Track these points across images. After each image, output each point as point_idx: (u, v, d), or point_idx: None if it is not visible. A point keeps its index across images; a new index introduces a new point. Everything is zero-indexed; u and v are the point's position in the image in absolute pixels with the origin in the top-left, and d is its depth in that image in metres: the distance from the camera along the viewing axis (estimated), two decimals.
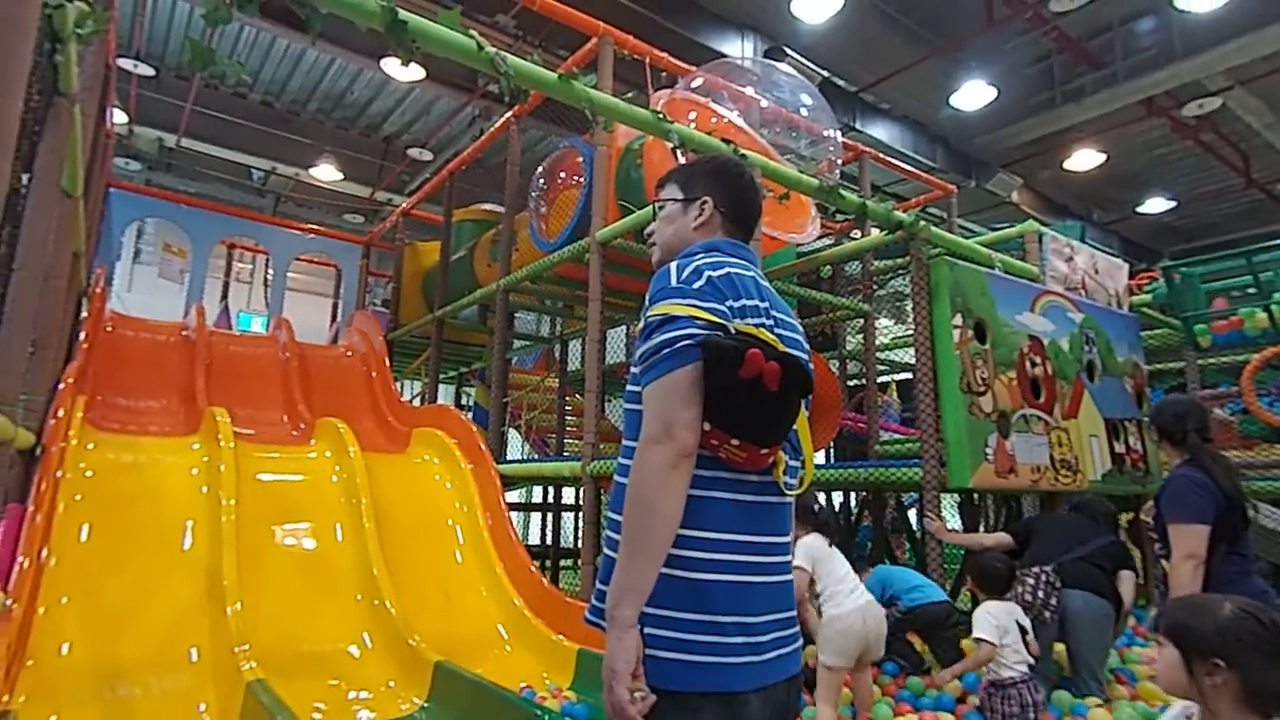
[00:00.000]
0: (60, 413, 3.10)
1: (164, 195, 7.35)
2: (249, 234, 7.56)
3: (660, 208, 1.45)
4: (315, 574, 3.26)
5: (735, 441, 1.15)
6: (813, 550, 2.75)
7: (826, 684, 2.58)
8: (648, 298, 1.25)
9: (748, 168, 1.48)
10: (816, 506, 2.97)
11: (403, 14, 2.07)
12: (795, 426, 1.22)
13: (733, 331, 1.16)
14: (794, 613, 1.26)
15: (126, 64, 7.56)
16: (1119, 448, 4.13)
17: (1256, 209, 11.10)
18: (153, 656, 2.62)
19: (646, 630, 1.11)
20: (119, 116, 8.02)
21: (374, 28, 2.04)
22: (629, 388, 1.26)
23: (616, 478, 1.25)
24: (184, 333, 5.06)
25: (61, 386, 3.23)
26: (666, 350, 1.14)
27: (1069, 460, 3.74)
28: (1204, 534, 2.29)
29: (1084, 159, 9.64)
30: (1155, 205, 11.23)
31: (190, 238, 6.77)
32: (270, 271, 7.56)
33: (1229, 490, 2.39)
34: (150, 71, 7.96)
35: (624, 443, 1.25)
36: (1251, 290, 3.87)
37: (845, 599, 2.63)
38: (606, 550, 1.23)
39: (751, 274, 1.30)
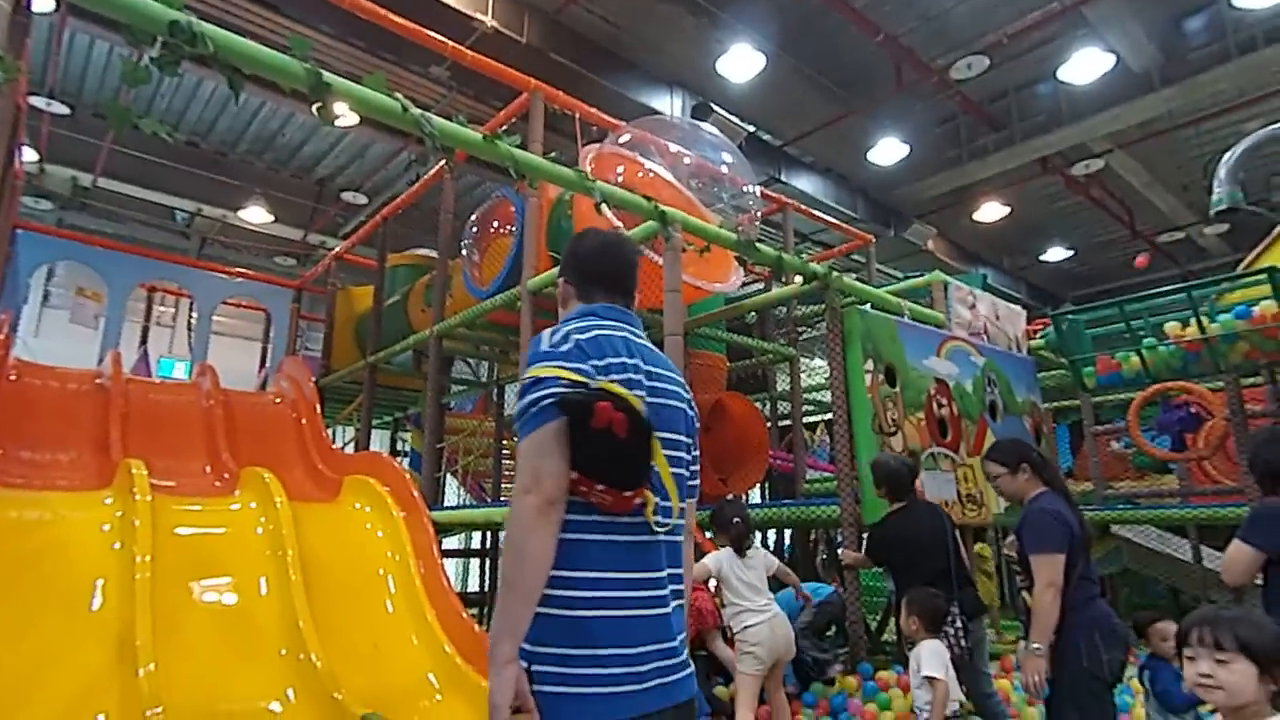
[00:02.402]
0: None
1: (77, 237, 7.09)
2: (171, 277, 7.34)
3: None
4: (236, 630, 3.15)
5: (600, 486, 1.28)
6: (720, 564, 2.96)
7: (745, 690, 2.80)
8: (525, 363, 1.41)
9: (598, 236, 1.63)
10: (736, 519, 3.09)
11: (327, 76, 2.12)
12: (658, 469, 1.36)
13: (592, 387, 1.29)
14: (678, 643, 1.36)
15: (39, 102, 7.33)
16: None
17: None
18: None
19: (534, 668, 1.22)
20: (29, 154, 7.73)
21: (298, 89, 2.11)
22: None
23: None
24: (98, 380, 4.86)
25: None
26: (533, 409, 1.28)
27: (975, 495, 4.00)
28: (1062, 563, 2.47)
29: (990, 211, 10.36)
30: (1056, 254, 12.14)
31: (106, 281, 6.54)
32: (194, 316, 7.34)
33: (1078, 518, 2.61)
34: (65, 110, 7.73)
35: None
36: (1127, 335, 4.27)
37: (752, 616, 2.83)
38: None
39: (622, 334, 1.45)
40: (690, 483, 1.53)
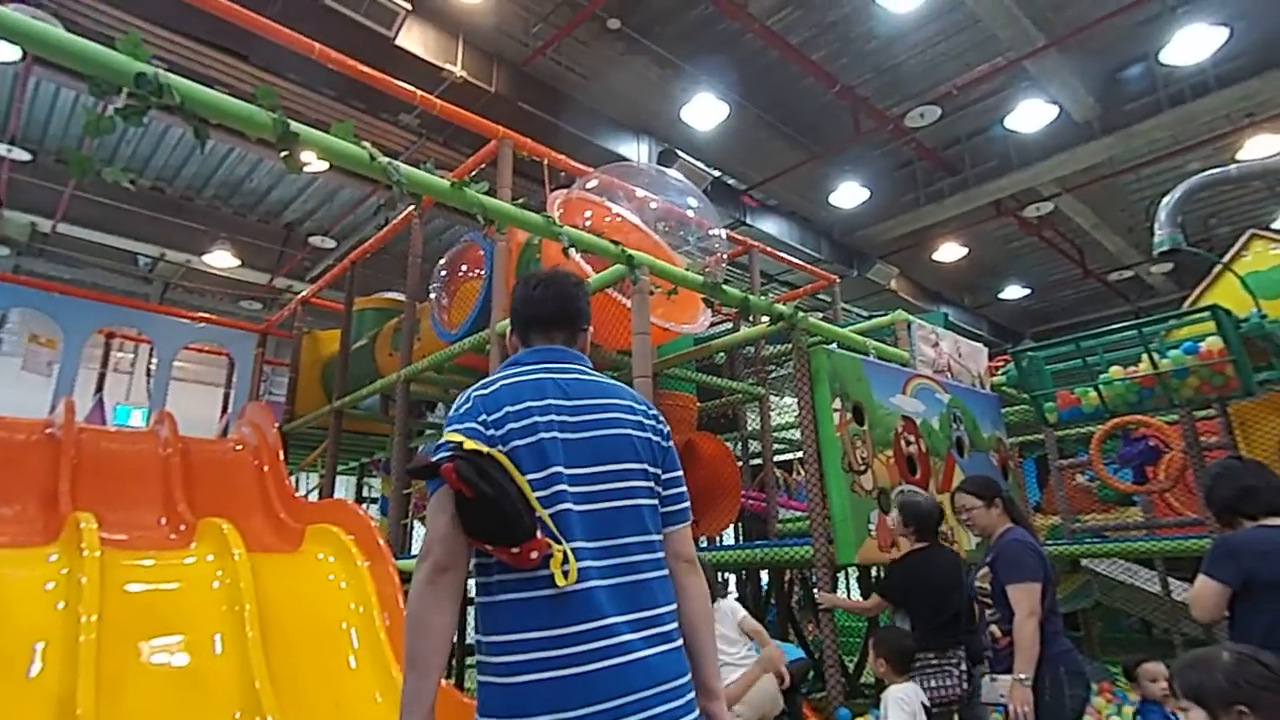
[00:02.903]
0: None
1: (33, 283, 6.92)
2: (131, 323, 7.17)
3: None
4: (188, 693, 3.01)
5: (488, 546, 1.26)
6: None
7: None
8: None
9: (531, 279, 1.62)
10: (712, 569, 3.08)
11: (294, 125, 2.14)
12: (540, 516, 1.28)
13: (462, 447, 1.28)
14: (632, 699, 1.23)
15: (0, 149, 7.24)
16: None
17: (1098, 295, 12.57)
18: None
19: None
20: None
21: (265, 139, 2.12)
22: None
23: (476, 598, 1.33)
24: (48, 430, 4.70)
25: None
26: (416, 477, 1.30)
27: (945, 532, 4.02)
28: (1038, 592, 2.52)
29: (949, 251, 10.69)
30: (1013, 292, 12.53)
31: (62, 327, 6.36)
32: (154, 361, 7.17)
33: (1043, 551, 2.68)
34: (26, 156, 7.63)
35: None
36: (1084, 371, 4.40)
37: (731, 670, 2.77)
38: (479, 676, 1.28)
39: (537, 376, 1.43)
40: (667, 509, 1.46)
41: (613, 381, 1.53)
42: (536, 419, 1.36)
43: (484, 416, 1.35)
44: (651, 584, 1.35)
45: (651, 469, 1.44)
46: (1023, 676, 2.47)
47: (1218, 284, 4.55)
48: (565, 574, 1.26)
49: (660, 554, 1.40)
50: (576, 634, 1.24)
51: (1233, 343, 3.79)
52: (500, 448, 1.31)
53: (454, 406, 1.41)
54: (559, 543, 1.27)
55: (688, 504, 1.51)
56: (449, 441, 1.30)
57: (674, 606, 1.38)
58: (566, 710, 1.18)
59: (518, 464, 1.31)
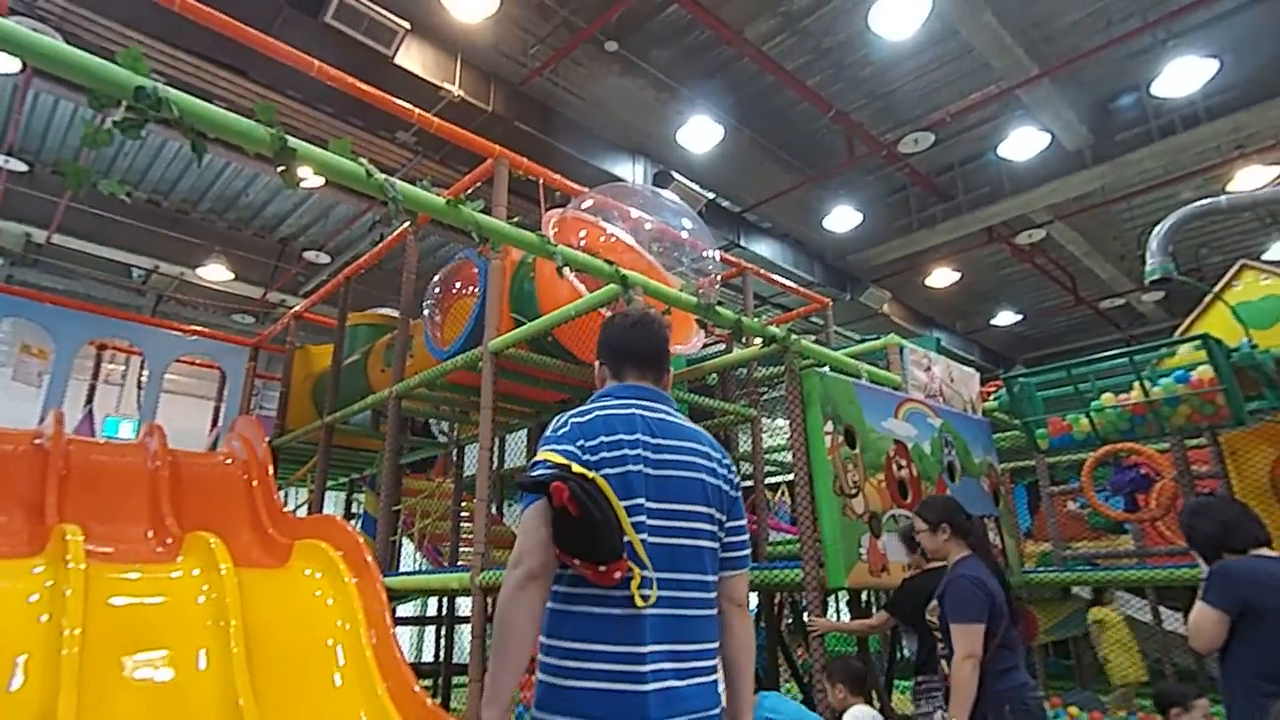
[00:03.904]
0: None
1: (25, 293, 6.90)
2: (123, 335, 7.15)
3: None
4: (171, 708, 2.96)
5: (576, 561, 1.35)
6: None
7: None
8: None
9: (626, 317, 1.71)
10: None
11: (292, 141, 2.15)
12: (630, 542, 1.39)
13: (569, 469, 1.38)
14: None
15: None
16: None
17: (1089, 323, 12.66)
18: None
19: None
20: None
21: (263, 154, 2.13)
22: None
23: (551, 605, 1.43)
24: (36, 441, 4.66)
25: None
26: (522, 490, 1.41)
27: None
28: (981, 633, 2.48)
29: (942, 277, 10.77)
30: (1005, 318, 12.60)
31: (53, 338, 6.34)
32: (145, 374, 7.14)
33: (1001, 585, 2.62)
34: (23, 167, 7.64)
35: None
36: (1075, 398, 4.41)
37: None
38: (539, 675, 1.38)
39: (629, 411, 1.53)
40: (727, 554, 1.55)
41: (694, 426, 1.63)
42: (626, 451, 1.47)
43: (581, 441, 1.46)
44: (698, 621, 1.46)
45: (717, 514, 1.54)
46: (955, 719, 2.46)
47: (1209, 313, 4.59)
48: (645, 598, 1.38)
49: (712, 594, 1.50)
50: (630, 654, 1.36)
51: (1224, 372, 3.82)
52: (609, 471, 1.44)
53: (551, 428, 1.51)
54: (643, 568, 1.39)
55: (747, 553, 1.60)
56: (547, 460, 1.41)
57: (714, 644, 1.49)
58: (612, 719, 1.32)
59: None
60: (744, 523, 1.59)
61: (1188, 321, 4.72)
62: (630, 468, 1.45)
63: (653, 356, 1.66)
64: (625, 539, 1.37)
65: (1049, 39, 6.76)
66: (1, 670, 2.78)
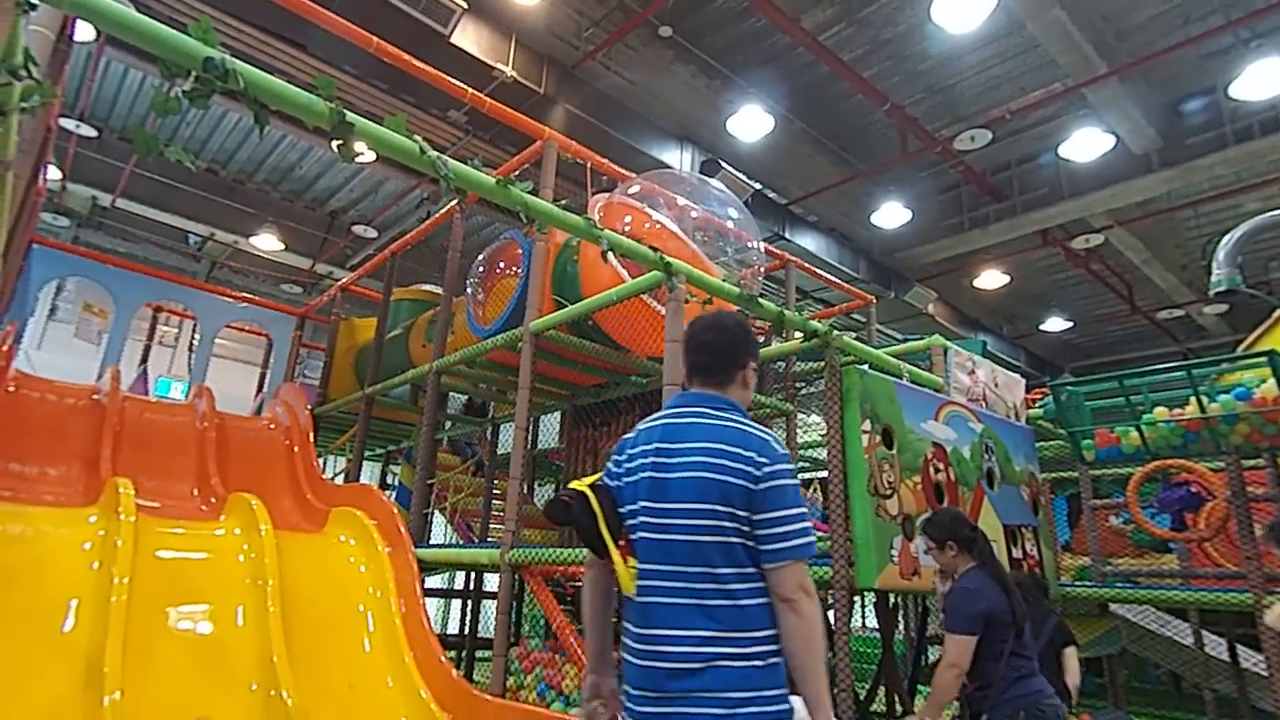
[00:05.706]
0: None
1: (89, 254, 7.18)
2: (178, 298, 7.39)
3: None
4: (209, 660, 3.08)
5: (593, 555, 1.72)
6: None
7: None
8: None
9: (696, 324, 1.85)
10: None
11: (350, 116, 2.18)
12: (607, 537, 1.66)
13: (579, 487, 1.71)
14: (659, 694, 1.55)
15: (69, 124, 7.52)
16: (1016, 553, 4.36)
17: (1144, 333, 12.21)
18: None
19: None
20: (52, 172, 7.89)
21: (321, 126, 2.16)
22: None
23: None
24: (94, 396, 4.86)
25: None
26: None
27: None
28: (971, 645, 2.47)
29: (991, 279, 10.49)
30: (1055, 324, 12.22)
31: (113, 299, 6.59)
32: (197, 337, 7.38)
33: (1008, 596, 2.58)
34: (92, 133, 7.92)
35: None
36: (1126, 410, 4.26)
37: None
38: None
39: (659, 421, 1.74)
40: (761, 547, 1.57)
41: (719, 426, 1.67)
42: (640, 460, 1.70)
43: (615, 457, 1.78)
44: (713, 610, 1.54)
45: (723, 508, 1.58)
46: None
47: (1276, 329, 4.38)
48: (636, 586, 1.62)
49: (733, 585, 1.55)
50: (638, 634, 1.60)
51: None
52: (625, 480, 1.72)
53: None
54: (625, 561, 1.63)
55: (784, 545, 1.57)
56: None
57: (736, 631, 1.53)
58: (629, 688, 1.59)
59: (621, 496, 1.70)
60: (778, 514, 1.57)
61: (1253, 337, 4.51)
62: (639, 475, 1.67)
63: (707, 364, 1.78)
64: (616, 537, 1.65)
65: (1120, 36, 6.48)
66: (55, 612, 2.92)
